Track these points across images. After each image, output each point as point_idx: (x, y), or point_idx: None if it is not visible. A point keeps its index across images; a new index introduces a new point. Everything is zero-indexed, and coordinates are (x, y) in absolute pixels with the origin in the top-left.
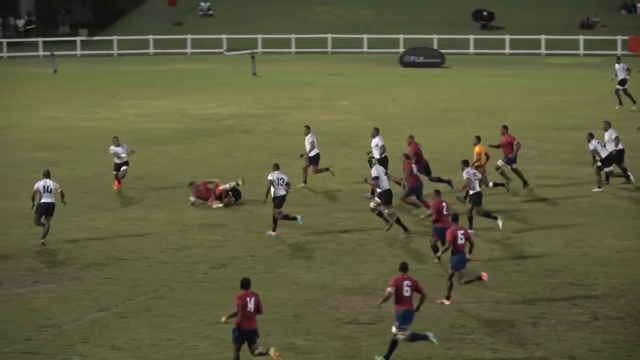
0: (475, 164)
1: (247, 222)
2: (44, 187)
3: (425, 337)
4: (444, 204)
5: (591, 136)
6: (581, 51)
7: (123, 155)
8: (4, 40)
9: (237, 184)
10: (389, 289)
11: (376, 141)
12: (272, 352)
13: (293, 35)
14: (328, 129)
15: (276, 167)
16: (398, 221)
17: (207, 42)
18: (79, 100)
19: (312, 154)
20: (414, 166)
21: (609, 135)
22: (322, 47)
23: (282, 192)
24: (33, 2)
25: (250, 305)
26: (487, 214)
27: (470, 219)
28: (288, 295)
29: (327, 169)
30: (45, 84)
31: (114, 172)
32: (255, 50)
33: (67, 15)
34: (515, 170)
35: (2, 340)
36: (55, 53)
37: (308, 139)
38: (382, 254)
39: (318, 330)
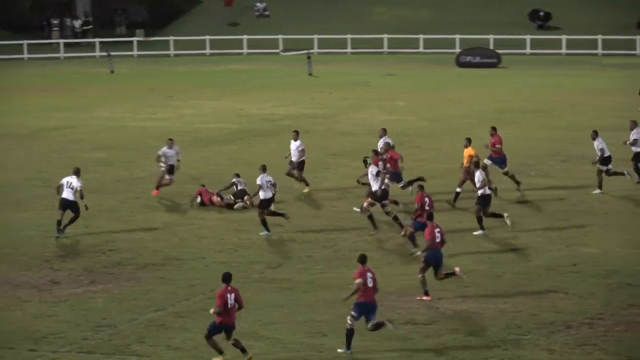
0: (466, 166)
1: (304, 223)
2: (67, 182)
3: (349, 339)
4: (426, 199)
5: (596, 134)
6: (638, 51)
7: (171, 158)
8: (61, 41)
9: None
10: (358, 280)
11: (380, 143)
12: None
13: (349, 36)
14: None
15: (263, 170)
16: (370, 218)
17: (263, 42)
18: (136, 100)
19: (295, 158)
20: (380, 163)
21: (633, 135)
22: (378, 48)
23: (269, 194)
24: (90, 3)
25: (231, 301)
26: (480, 220)
27: (495, 214)
28: (344, 295)
29: (306, 184)
30: (102, 85)
31: (162, 170)
32: (311, 51)
33: (123, 16)
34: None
35: (59, 339)
36: (112, 53)
37: (298, 146)
38: None
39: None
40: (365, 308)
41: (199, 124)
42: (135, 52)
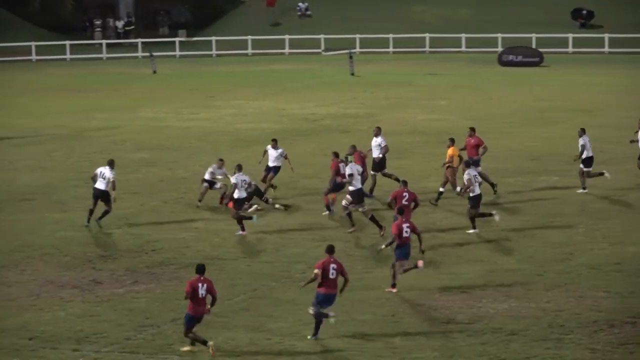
0: (447, 166)
1: (346, 222)
2: (100, 172)
3: (325, 315)
4: (405, 194)
5: (583, 131)
6: None
7: (218, 177)
8: (104, 42)
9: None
10: (315, 271)
11: (379, 141)
12: (210, 344)
13: (391, 35)
14: (426, 129)
15: (239, 169)
16: (372, 219)
17: (305, 42)
18: (178, 100)
19: (273, 164)
20: (341, 165)
21: None
22: (420, 47)
23: (243, 194)
24: (132, 4)
25: (202, 292)
26: (481, 214)
27: (484, 214)
28: (386, 295)
29: (273, 187)
30: (145, 85)
31: (205, 186)
32: (353, 50)
33: (166, 17)
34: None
35: (102, 339)
36: (155, 54)
37: (281, 153)
38: (479, 254)
39: (416, 330)
40: (325, 299)
41: (240, 124)
42: (178, 53)
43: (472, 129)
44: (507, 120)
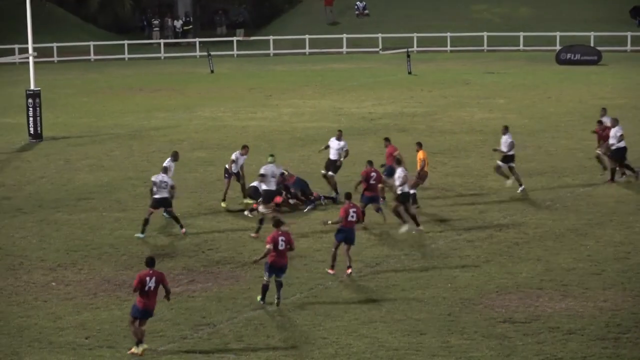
0: (420, 170)
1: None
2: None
3: (264, 293)
4: (373, 173)
5: (506, 129)
6: None
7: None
8: (162, 41)
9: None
10: (268, 246)
11: (342, 144)
12: (141, 349)
13: (449, 34)
14: (484, 127)
15: (164, 171)
16: (260, 222)
17: (363, 41)
18: (236, 100)
19: (238, 171)
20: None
21: (614, 132)
22: (478, 45)
23: (159, 194)
24: (190, 3)
25: (149, 284)
26: (398, 214)
27: (414, 217)
28: (443, 294)
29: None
30: (202, 84)
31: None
32: (410, 49)
33: (223, 16)
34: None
35: (159, 338)
36: (212, 53)
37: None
38: (537, 253)
39: (473, 329)
40: (274, 269)
41: (298, 123)
42: (235, 52)
43: (387, 139)
44: (565, 119)
